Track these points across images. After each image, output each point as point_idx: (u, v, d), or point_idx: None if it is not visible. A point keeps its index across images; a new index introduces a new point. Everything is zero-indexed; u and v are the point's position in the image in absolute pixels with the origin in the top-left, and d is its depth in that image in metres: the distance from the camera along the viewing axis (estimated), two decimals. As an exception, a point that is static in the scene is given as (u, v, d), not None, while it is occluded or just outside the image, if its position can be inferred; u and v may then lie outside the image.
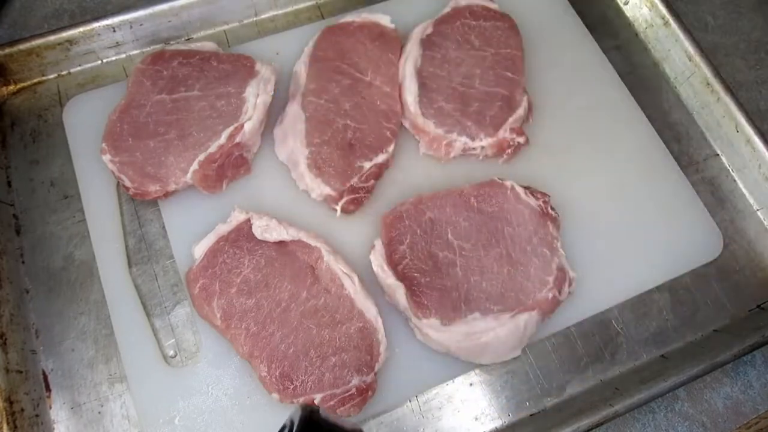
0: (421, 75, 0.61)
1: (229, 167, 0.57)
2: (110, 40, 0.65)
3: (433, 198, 0.56)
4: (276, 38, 0.67)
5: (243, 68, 0.60)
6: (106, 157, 0.56)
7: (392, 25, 0.64)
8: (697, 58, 0.67)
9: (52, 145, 0.61)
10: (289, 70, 0.63)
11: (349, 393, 0.49)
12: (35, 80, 0.65)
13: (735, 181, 0.65)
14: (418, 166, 0.61)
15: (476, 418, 0.53)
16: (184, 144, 0.56)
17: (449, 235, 0.54)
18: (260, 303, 0.51)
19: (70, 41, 0.63)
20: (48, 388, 0.52)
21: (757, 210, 0.63)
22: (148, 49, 0.66)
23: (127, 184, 0.55)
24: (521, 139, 0.60)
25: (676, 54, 0.69)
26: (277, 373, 0.49)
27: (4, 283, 0.54)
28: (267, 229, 0.53)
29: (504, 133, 0.59)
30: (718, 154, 0.66)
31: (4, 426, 0.48)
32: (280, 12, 0.70)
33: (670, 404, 0.56)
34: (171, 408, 0.50)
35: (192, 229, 0.56)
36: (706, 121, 0.67)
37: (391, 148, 0.58)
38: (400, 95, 0.61)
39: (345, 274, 0.52)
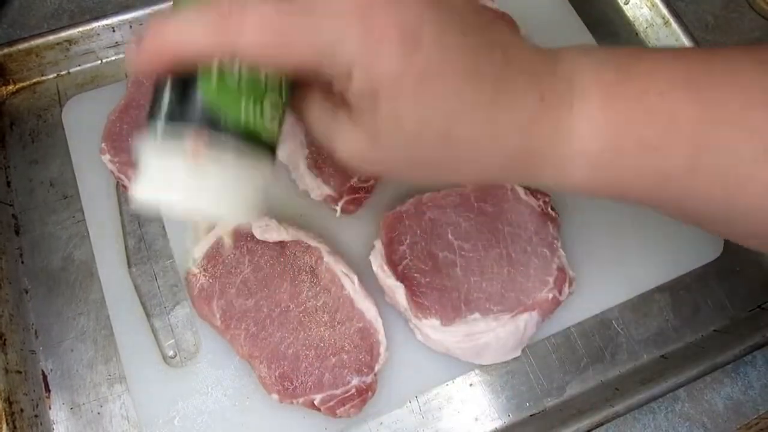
0: (421, 75, 0.61)
1: (229, 167, 0.57)
2: (110, 39, 0.65)
3: (433, 198, 0.56)
4: (276, 38, 0.67)
5: (242, 68, 0.60)
6: (106, 158, 0.56)
7: (392, 25, 0.64)
8: (698, 58, 0.67)
9: (52, 145, 0.61)
10: (289, 69, 0.63)
11: (349, 393, 0.48)
12: (34, 80, 0.65)
13: (735, 181, 0.64)
14: (418, 166, 0.61)
15: (476, 419, 0.52)
16: (183, 144, 0.56)
17: (449, 236, 0.54)
18: (260, 303, 0.51)
19: (70, 41, 0.63)
20: (47, 389, 0.52)
21: (758, 210, 0.63)
22: (148, 48, 0.66)
23: (127, 184, 0.55)
24: (521, 139, 0.59)
25: (677, 54, 0.68)
26: (276, 374, 0.49)
27: (3, 283, 0.54)
28: (267, 230, 0.53)
29: (504, 133, 0.59)
30: (718, 154, 0.66)
31: (4, 427, 0.48)
32: (280, 12, 0.70)
33: (671, 405, 0.56)
34: (170, 408, 0.50)
35: (192, 230, 0.56)
36: (707, 120, 0.67)
37: (391, 148, 0.58)
38: (400, 95, 0.61)
39: (345, 274, 0.52)
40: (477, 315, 0.51)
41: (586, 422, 0.50)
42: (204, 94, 0.30)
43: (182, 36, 0.28)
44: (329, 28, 0.27)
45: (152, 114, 0.31)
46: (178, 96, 0.30)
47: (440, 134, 0.31)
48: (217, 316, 0.51)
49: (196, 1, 0.29)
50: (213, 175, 0.31)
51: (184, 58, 0.28)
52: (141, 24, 0.65)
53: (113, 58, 0.66)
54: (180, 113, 0.30)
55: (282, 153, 0.60)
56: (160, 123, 0.31)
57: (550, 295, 0.52)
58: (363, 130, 0.32)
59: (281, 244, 0.53)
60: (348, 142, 0.33)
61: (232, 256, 0.53)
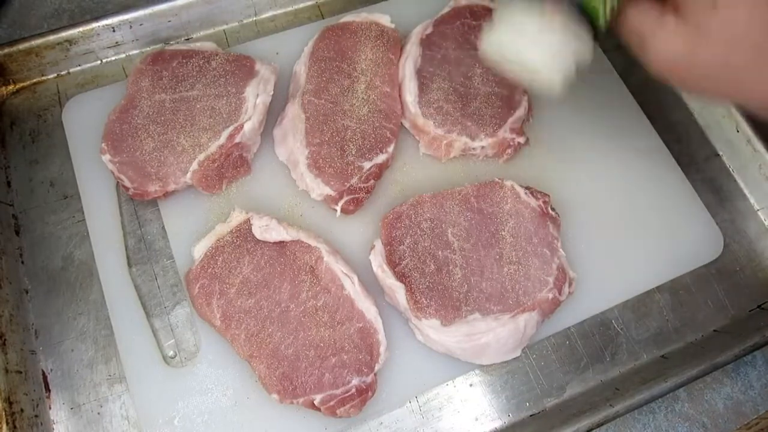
0: (421, 75, 0.61)
1: (229, 167, 0.57)
2: (110, 40, 0.65)
3: (433, 198, 0.56)
4: (276, 38, 0.67)
5: (242, 68, 0.60)
6: (106, 157, 0.56)
7: (392, 25, 0.64)
8: (698, 58, 0.67)
9: (52, 145, 0.61)
10: (289, 70, 0.63)
11: (349, 393, 0.48)
12: (34, 80, 0.65)
13: (735, 181, 0.65)
14: (418, 166, 0.61)
15: (476, 419, 0.52)
16: (183, 144, 0.56)
17: (449, 235, 0.54)
18: (260, 303, 0.51)
19: (70, 41, 0.63)
20: (47, 389, 0.52)
21: (758, 210, 0.63)
22: (148, 49, 0.66)
23: (127, 184, 0.55)
24: (521, 139, 0.60)
25: (677, 54, 0.69)
26: (276, 374, 0.49)
27: (3, 283, 0.54)
28: (267, 229, 0.53)
29: (504, 133, 0.59)
30: (718, 154, 0.66)
31: (4, 426, 0.48)
32: (280, 12, 0.70)
33: (671, 405, 0.56)
34: (170, 408, 0.50)
35: (191, 230, 0.56)
36: (706, 121, 0.67)
37: (391, 148, 0.58)
38: (400, 95, 0.61)
39: (345, 274, 0.52)
40: (477, 315, 0.51)
41: (586, 422, 0.50)
42: None
43: None
44: None
45: None
46: None
47: (758, 43, 0.35)
48: (217, 315, 0.51)
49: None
50: (555, 37, 0.42)
51: None
52: (141, 24, 0.65)
53: (113, 58, 0.66)
54: None
55: (282, 153, 0.60)
56: None
57: (550, 295, 0.52)
58: (690, 30, 0.36)
59: (281, 244, 0.53)
60: (668, 42, 0.38)
61: (232, 256, 0.53)
